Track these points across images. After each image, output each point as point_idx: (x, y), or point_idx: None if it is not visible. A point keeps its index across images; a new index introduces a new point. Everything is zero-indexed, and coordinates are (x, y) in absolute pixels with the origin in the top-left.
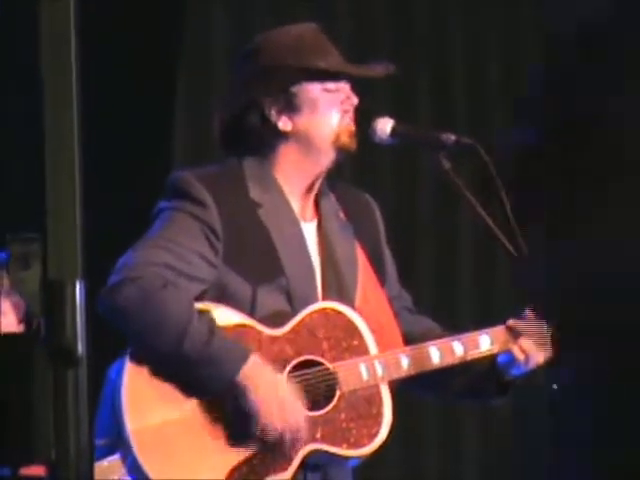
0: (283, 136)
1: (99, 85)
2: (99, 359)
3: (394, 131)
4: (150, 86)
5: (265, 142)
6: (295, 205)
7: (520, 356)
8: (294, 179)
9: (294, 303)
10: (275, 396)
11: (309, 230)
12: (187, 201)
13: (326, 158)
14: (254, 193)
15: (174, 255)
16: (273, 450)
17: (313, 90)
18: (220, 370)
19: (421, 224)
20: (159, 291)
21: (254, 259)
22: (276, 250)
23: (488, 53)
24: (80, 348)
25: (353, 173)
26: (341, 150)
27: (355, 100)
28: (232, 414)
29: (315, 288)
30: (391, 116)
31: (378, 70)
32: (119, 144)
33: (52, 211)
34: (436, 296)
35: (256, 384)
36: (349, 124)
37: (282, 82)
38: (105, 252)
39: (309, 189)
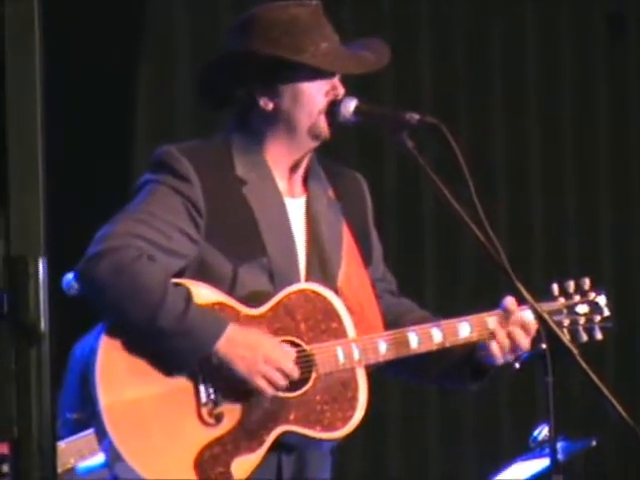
0: (268, 115)
1: (61, 62)
2: (62, 336)
3: (358, 110)
4: (112, 62)
5: (252, 119)
6: (282, 183)
7: (505, 343)
8: (280, 157)
9: (276, 282)
10: (259, 353)
11: (297, 207)
12: (171, 175)
13: (304, 144)
14: (240, 170)
15: (154, 229)
16: (246, 430)
17: (296, 79)
18: (197, 341)
19: (386, 203)
20: (134, 262)
21: (236, 237)
22: (259, 229)
23: (454, 34)
24: (43, 324)
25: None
26: (316, 139)
27: (341, 91)
28: (209, 389)
29: (297, 267)
30: (355, 95)
31: (369, 64)
32: (82, 120)
33: (15, 188)
34: (402, 274)
35: (236, 353)
36: (327, 115)
37: (269, 66)
38: (68, 228)
39: (296, 166)
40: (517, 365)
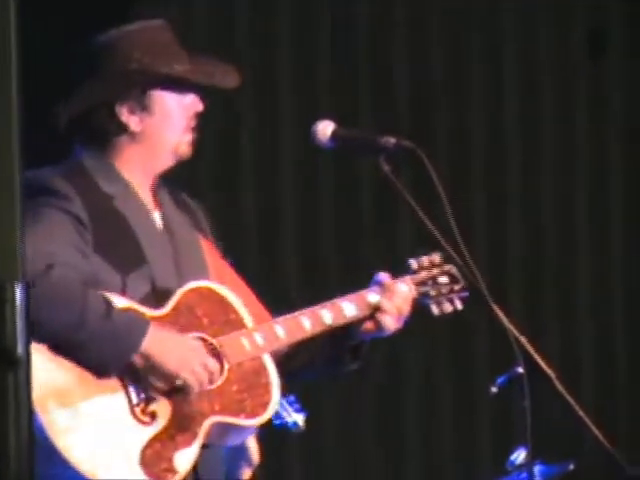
0: (129, 135)
1: (37, 80)
2: None
3: (334, 134)
4: None
5: (112, 139)
6: (143, 196)
7: (394, 312)
8: (138, 174)
9: (157, 288)
10: (185, 349)
11: (157, 217)
12: (52, 196)
13: (165, 162)
14: (104, 186)
15: (54, 245)
16: (179, 425)
17: (165, 95)
18: (123, 343)
19: (363, 227)
20: (45, 274)
21: (120, 248)
22: (137, 238)
23: (431, 51)
24: (20, 349)
25: (295, 175)
26: (179, 158)
27: (200, 107)
28: (138, 389)
29: (172, 273)
30: (332, 119)
31: (227, 81)
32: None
33: None
34: None
35: (164, 349)
36: (191, 133)
37: (135, 84)
38: None
39: (152, 182)
40: (494, 389)
